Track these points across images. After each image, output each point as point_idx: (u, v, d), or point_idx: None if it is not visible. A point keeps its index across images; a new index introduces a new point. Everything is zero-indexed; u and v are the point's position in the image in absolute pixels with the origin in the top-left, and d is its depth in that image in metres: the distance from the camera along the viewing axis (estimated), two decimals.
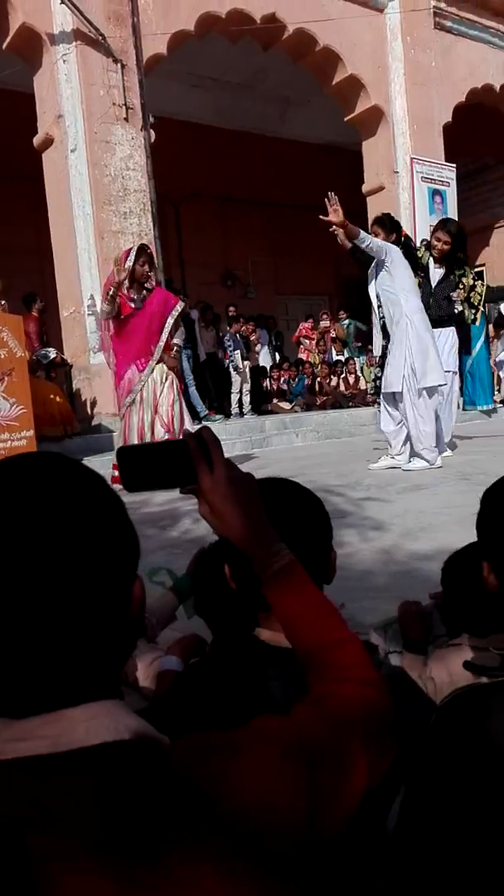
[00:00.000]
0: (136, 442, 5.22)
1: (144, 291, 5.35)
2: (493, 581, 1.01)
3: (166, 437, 5.32)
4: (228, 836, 0.56)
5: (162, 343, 5.32)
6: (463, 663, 1.03)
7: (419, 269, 6.03)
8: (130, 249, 5.40)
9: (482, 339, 9.63)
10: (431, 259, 6.11)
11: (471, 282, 6.07)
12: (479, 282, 6.35)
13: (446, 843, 0.85)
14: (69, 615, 0.60)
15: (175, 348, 5.52)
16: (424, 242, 6.36)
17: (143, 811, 0.54)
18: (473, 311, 6.27)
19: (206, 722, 0.95)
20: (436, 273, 6.10)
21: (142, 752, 0.59)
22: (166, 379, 5.40)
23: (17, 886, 0.51)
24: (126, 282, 5.23)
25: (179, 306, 5.50)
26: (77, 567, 0.60)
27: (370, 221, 11.04)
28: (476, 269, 9.19)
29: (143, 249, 5.40)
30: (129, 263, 5.22)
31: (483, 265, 13.13)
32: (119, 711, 0.62)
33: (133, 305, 5.26)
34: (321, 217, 5.21)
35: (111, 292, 5.19)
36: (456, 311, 6.09)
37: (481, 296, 6.34)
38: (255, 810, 0.58)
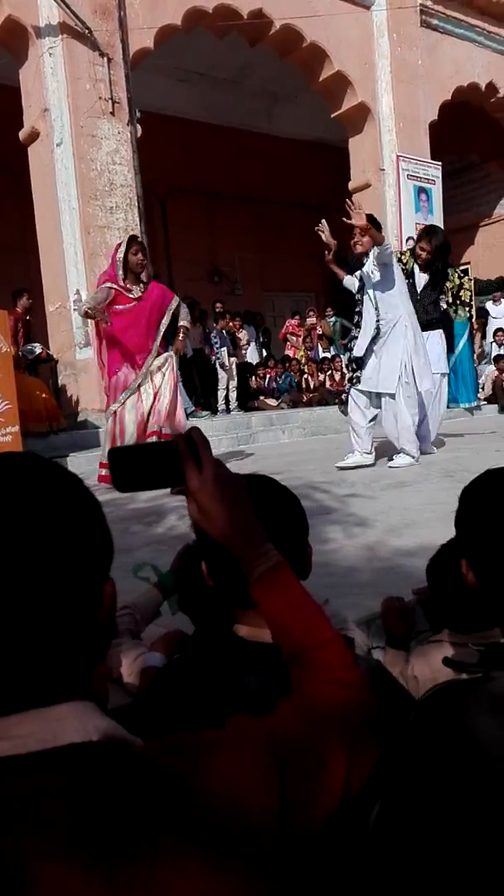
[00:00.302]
0: (135, 436, 5.13)
1: (141, 284, 5.21)
2: (472, 578, 1.02)
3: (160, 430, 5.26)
4: (207, 833, 0.56)
5: (159, 338, 5.21)
6: (442, 659, 1.04)
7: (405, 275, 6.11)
8: (120, 244, 5.27)
9: (465, 337, 9.70)
10: (416, 266, 6.21)
11: (457, 281, 6.14)
12: (466, 278, 6.41)
13: (426, 839, 0.87)
14: (37, 615, 0.60)
15: (182, 332, 5.39)
16: (409, 249, 6.39)
17: (116, 810, 0.55)
18: (467, 308, 6.32)
19: (184, 718, 0.96)
20: (421, 278, 6.22)
21: (111, 754, 0.59)
22: (165, 365, 5.26)
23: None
24: (121, 273, 5.09)
25: (175, 301, 5.39)
26: (46, 566, 0.61)
27: None
28: (461, 268, 9.25)
29: (133, 239, 5.28)
30: (121, 255, 5.09)
31: (468, 263, 13.17)
32: (88, 713, 0.62)
33: (132, 296, 5.11)
34: (344, 219, 5.21)
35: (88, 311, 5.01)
36: (441, 311, 6.14)
37: (471, 292, 6.38)
38: (230, 807, 0.59)
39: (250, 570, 0.88)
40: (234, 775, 0.62)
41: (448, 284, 6.12)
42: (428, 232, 6.28)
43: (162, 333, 5.25)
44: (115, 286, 5.08)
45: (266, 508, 1.04)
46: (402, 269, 6.11)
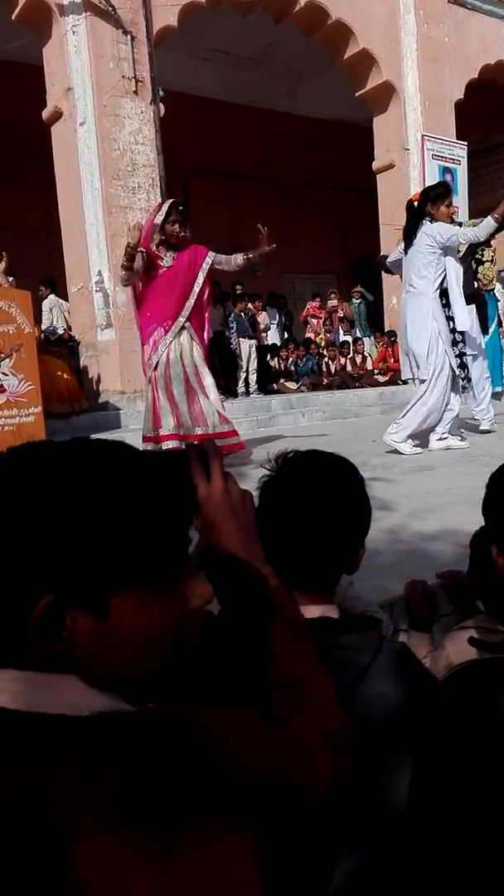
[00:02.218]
0: (176, 417, 4.94)
1: (174, 251, 5.01)
2: (502, 564, 1.03)
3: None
4: (219, 787, 0.57)
5: (192, 301, 4.99)
6: (468, 639, 1.05)
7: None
8: (162, 204, 5.04)
9: (496, 320, 9.52)
10: None
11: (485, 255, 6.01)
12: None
13: (454, 811, 0.88)
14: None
15: (242, 258, 5.31)
16: None
17: (157, 778, 0.56)
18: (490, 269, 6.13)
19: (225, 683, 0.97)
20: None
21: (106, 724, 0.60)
22: (197, 356, 5.05)
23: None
24: (156, 236, 4.90)
25: (210, 257, 5.16)
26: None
27: (380, 199, 11.00)
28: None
29: (175, 205, 5.06)
30: (159, 220, 4.90)
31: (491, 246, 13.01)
32: (83, 687, 0.63)
33: (163, 264, 4.93)
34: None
35: (124, 261, 4.80)
36: (475, 285, 6.02)
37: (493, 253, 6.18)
38: (237, 760, 0.60)
39: (248, 592, 0.88)
40: (235, 730, 0.63)
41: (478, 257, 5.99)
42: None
43: (196, 296, 5.02)
44: (144, 250, 4.86)
45: (342, 495, 1.04)
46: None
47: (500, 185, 14.17)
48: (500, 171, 14.56)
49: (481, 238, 5.45)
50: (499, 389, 9.84)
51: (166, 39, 8.62)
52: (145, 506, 0.64)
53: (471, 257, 6.27)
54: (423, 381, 5.33)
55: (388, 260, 6.10)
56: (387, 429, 5.39)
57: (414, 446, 5.28)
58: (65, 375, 7.72)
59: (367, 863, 0.94)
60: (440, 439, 5.38)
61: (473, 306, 6.12)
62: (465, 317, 5.40)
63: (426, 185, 10.56)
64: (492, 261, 6.43)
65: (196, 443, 0.93)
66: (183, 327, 4.99)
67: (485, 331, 6.65)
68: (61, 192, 8.39)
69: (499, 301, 8.54)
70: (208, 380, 5.10)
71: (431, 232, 5.24)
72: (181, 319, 4.96)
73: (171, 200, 5.16)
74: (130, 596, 0.63)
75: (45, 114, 8.35)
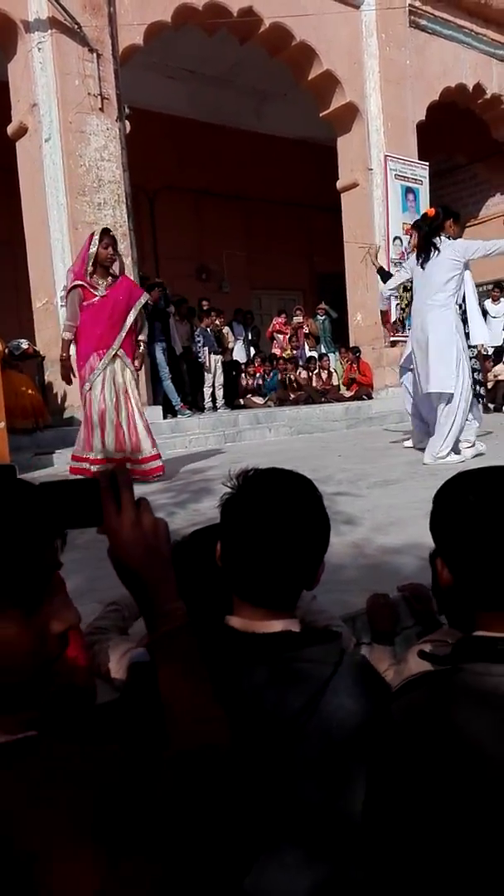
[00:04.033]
0: (102, 440, 5.10)
1: (110, 278, 5.19)
2: (447, 576, 1.05)
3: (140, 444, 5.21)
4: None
5: (123, 334, 5.14)
6: (418, 652, 1.07)
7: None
8: (92, 236, 5.22)
9: None
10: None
11: None
12: None
13: (408, 814, 0.89)
14: None
15: (140, 346, 5.36)
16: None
17: None
18: None
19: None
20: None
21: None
22: (131, 384, 5.22)
23: None
24: (90, 267, 5.10)
25: (144, 298, 5.35)
26: None
27: (344, 217, 11.19)
28: None
29: (105, 232, 5.25)
30: (93, 250, 5.08)
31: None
32: None
33: (96, 294, 5.10)
34: None
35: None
36: None
37: None
38: None
39: (154, 627, 0.87)
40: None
41: None
42: (415, 225, 6.36)
43: (127, 329, 5.17)
44: (83, 283, 5.08)
45: (299, 512, 1.05)
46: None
47: (462, 205, 14.49)
48: (462, 191, 14.87)
49: (496, 252, 5.55)
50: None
51: (132, 57, 8.67)
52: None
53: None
54: (447, 393, 5.42)
55: (391, 285, 6.20)
56: (430, 454, 5.43)
57: (467, 448, 5.47)
58: (29, 391, 7.65)
59: (330, 877, 0.95)
60: (469, 447, 5.52)
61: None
62: (481, 330, 5.55)
63: (388, 204, 10.83)
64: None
65: (108, 471, 0.90)
66: (116, 355, 5.16)
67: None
68: (26, 208, 8.35)
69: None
70: (137, 405, 5.25)
71: (456, 247, 5.39)
72: (114, 348, 5.13)
73: (102, 228, 5.35)
74: None
75: (9, 129, 8.33)
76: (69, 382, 5.20)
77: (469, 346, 5.55)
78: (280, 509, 1.04)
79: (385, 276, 6.73)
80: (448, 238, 5.49)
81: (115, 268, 5.26)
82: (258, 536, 1.02)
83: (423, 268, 5.53)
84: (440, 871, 0.90)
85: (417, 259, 5.59)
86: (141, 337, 5.38)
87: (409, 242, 6.40)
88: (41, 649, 0.67)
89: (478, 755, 0.90)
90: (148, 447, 5.23)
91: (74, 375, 5.20)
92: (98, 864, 0.55)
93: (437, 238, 5.46)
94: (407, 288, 6.36)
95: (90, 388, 5.10)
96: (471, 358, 5.54)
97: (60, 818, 0.56)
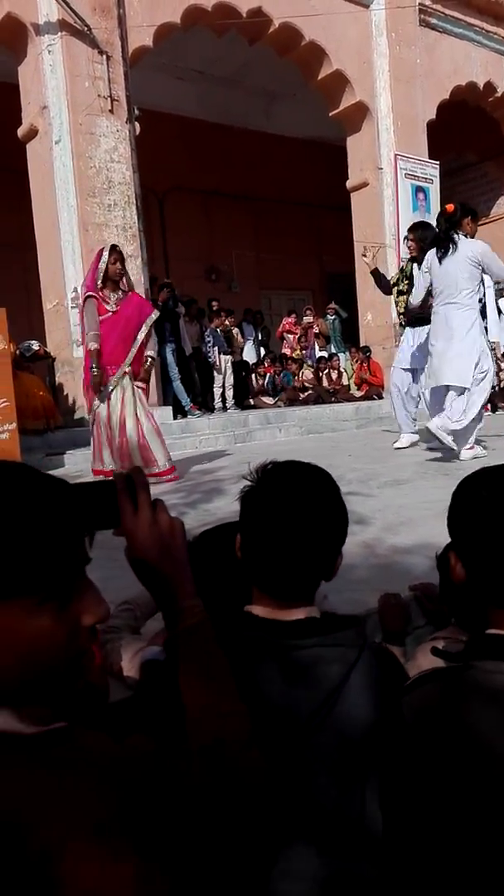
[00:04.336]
0: (108, 440, 5.16)
1: (120, 292, 5.25)
2: (460, 571, 1.05)
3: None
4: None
5: (135, 350, 5.21)
6: (431, 649, 1.07)
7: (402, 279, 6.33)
8: (102, 251, 5.27)
9: None
10: (414, 265, 6.29)
11: None
12: None
13: (421, 818, 0.90)
14: None
15: (148, 361, 5.37)
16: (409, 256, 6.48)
17: None
18: None
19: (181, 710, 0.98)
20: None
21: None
22: (134, 395, 5.24)
23: None
24: (100, 282, 5.14)
25: (154, 315, 5.41)
26: None
27: (354, 217, 11.18)
28: None
29: (113, 248, 5.30)
30: (103, 265, 5.13)
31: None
32: None
33: (109, 309, 5.15)
34: None
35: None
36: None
37: None
38: None
39: (173, 625, 0.88)
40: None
41: None
42: (415, 227, 6.43)
43: (139, 344, 5.24)
44: (95, 296, 5.14)
45: (313, 507, 1.06)
46: (403, 274, 6.23)
47: (473, 203, 14.41)
48: (472, 190, 14.80)
49: None
50: None
51: (142, 59, 8.70)
52: (33, 523, 0.66)
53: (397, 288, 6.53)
54: (465, 390, 5.43)
55: (417, 298, 6.00)
56: (462, 454, 5.46)
57: (467, 449, 5.46)
58: (40, 392, 7.68)
59: (338, 872, 0.95)
60: (469, 448, 5.49)
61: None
62: (496, 328, 5.54)
63: (399, 204, 10.81)
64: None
65: (124, 473, 0.91)
66: (126, 372, 5.20)
67: None
68: (37, 210, 8.39)
69: None
70: (147, 422, 5.28)
71: (476, 250, 5.39)
72: (124, 366, 5.19)
73: (111, 245, 5.38)
74: (19, 605, 0.65)
75: (20, 131, 8.37)
76: (98, 392, 5.13)
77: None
78: (299, 501, 1.06)
79: (380, 279, 6.65)
80: (465, 236, 5.48)
81: (124, 283, 5.31)
82: (278, 527, 1.04)
83: (440, 263, 5.51)
84: (452, 867, 0.91)
85: (436, 254, 5.56)
86: (149, 353, 5.39)
87: (408, 248, 6.36)
88: (73, 641, 0.69)
89: (487, 752, 0.91)
90: (163, 461, 5.26)
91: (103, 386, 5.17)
92: (121, 860, 0.56)
93: (455, 234, 5.45)
94: (402, 292, 6.35)
95: (98, 408, 5.17)
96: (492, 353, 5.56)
97: (81, 813, 0.57)
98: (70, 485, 0.78)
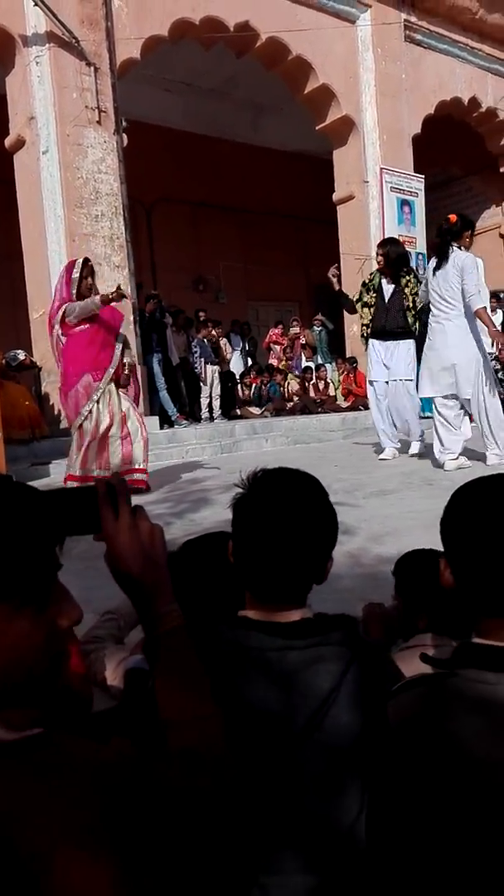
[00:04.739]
0: (79, 459, 5.15)
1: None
2: (449, 577, 1.06)
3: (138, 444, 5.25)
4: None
5: (118, 353, 5.24)
6: (420, 655, 1.08)
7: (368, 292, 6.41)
8: (72, 264, 5.27)
9: None
10: (383, 278, 6.34)
11: (414, 288, 6.26)
12: (415, 280, 6.44)
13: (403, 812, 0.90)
14: None
15: (126, 366, 5.40)
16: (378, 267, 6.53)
17: None
18: (415, 318, 6.39)
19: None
20: (388, 289, 6.32)
21: None
22: (124, 403, 5.27)
23: None
24: (74, 296, 5.14)
25: (123, 322, 5.47)
26: None
27: (340, 229, 11.25)
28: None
29: (85, 262, 5.30)
30: (76, 275, 5.13)
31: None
32: None
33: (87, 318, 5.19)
34: None
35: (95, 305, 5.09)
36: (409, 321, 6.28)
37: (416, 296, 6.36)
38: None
39: (151, 628, 0.90)
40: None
41: (407, 289, 6.22)
42: (383, 243, 6.55)
43: (120, 350, 5.26)
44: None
45: (303, 512, 1.08)
46: (370, 286, 6.27)
47: None
48: (457, 204, 14.94)
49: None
50: (428, 415, 10.13)
51: (130, 71, 8.74)
52: (8, 531, 0.68)
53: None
54: (465, 399, 5.52)
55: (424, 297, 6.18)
56: (490, 459, 5.50)
57: (450, 460, 5.48)
58: (26, 401, 7.66)
59: (324, 880, 0.95)
60: (453, 459, 5.51)
61: (412, 340, 6.38)
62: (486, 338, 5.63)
63: (384, 217, 10.90)
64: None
65: (105, 479, 0.93)
66: (112, 377, 5.22)
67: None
68: (24, 220, 8.39)
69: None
70: (134, 425, 5.28)
71: (459, 263, 5.44)
72: (111, 369, 5.20)
73: (83, 259, 5.39)
74: None
75: (7, 142, 8.38)
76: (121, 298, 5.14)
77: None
78: (290, 505, 1.08)
79: (345, 300, 6.64)
80: (461, 248, 5.56)
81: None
82: (271, 532, 1.06)
83: (434, 274, 5.61)
84: (437, 874, 0.91)
85: (433, 264, 5.67)
86: (126, 359, 5.41)
87: (377, 262, 6.41)
88: (52, 643, 0.71)
89: (468, 759, 0.92)
90: (140, 459, 5.26)
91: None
92: (105, 865, 0.56)
93: (451, 246, 5.54)
94: (367, 304, 6.38)
95: (89, 412, 5.14)
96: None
97: (68, 818, 0.57)
98: (42, 492, 0.79)
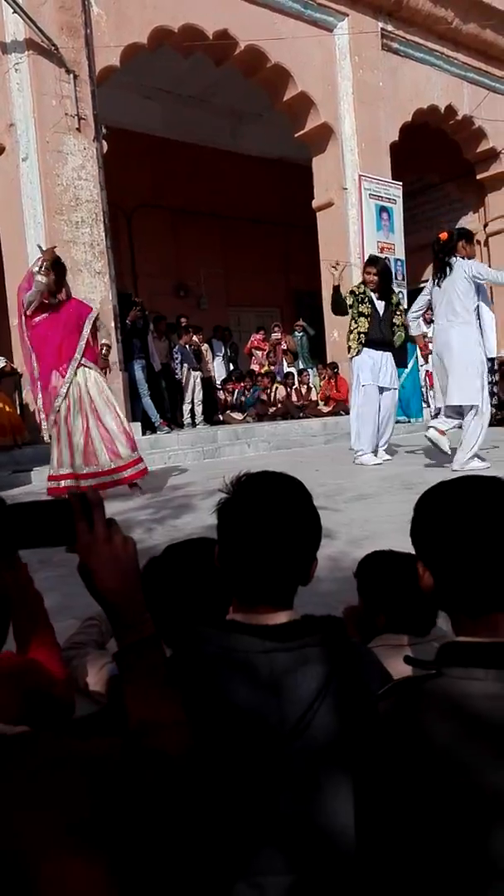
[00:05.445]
0: (81, 444, 5.12)
1: (59, 296, 5.27)
2: (429, 580, 1.08)
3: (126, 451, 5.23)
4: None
5: (83, 343, 5.18)
6: (403, 658, 1.11)
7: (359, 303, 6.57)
8: (39, 260, 5.27)
9: (415, 355, 10.11)
10: (372, 293, 6.57)
11: (401, 305, 6.59)
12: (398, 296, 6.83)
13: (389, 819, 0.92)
14: None
15: (104, 348, 5.40)
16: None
17: None
18: (402, 331, 6.69)
19: None
20: (379, 304, 6.58)
21: None
22: (95, 386, 5.21)
23: None
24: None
25: (94, 314, 5.41)
26: None
27: (320, 235, 11.31)
28: (421, 285, 9.46)
29: (55, 261, 5.29)
30: (35, 269, 5.12)
31: (427, 281, 13.50)
32: None
33: (49, 304, 5.17)
34: None
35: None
36: (395, 335, 6.63)
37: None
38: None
39: (122, 637, 0.93)
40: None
41: (401, 307, 6.58)
42: (372, 261, 6.84)
43: (86, 339, 5.22)
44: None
45: (294, 513, 1.10)
46: (361, 297, 6.38)
47: (435, 224, 14.74)
48: (435, 210, 15.12)
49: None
50: (421, 420, 10.33)
51: (109, 78, 8.76)
52: None
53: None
54: (471, 405, 5.68)
55: (415, 312, 6.41)
56: (458, 461, 5.65)
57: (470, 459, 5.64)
58: (7, 408, 7.64)
59: (305, 881, 0.97)
60: (470, 460, 5.67)
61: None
62: (493, 343, 5.80)
63: (363, 223, 10.99)
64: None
65: (79, 493, 0.95)
66: (79, 364, 5.19)
67: (404, 365, 7.15)
68: (3, 226, 8.37)
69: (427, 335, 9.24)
70: (110, 410, 5.24)
71: (471, 268, 5.69)
72: (76, 358, 5.18)
73: (48, 249, 5.42)
74: None
75: None
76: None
77: (488, 359, 5.92)
78: (274, 508, 1.09)
79: (338, 297, 6.70)
80: (462, 258, 5.77)
81: (62, 294, 5.31)
82: (256, 535, 1.07)
83: (439, 286, 5.82)
84: (422, 878, 0.92)
85: (433, 279, 5.88)
86: (104, 341, 5.42)
87: (371, 281, 6.56)
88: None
89: (457, 758, 0.93)
90: (126, 452, 5.23)
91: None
92: (96, 862, 0.58)
93: (452, 258, 5.75)
94: (363, 314, 6.52)
95: (58, 409, 5.13)
96: (491, 371, 5.79)
97: (58, 817, 0.58)
98: (14, 504, 0.81)
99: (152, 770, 0.76)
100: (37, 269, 5.11)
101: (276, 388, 12.19)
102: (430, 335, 9.47)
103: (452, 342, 5.71)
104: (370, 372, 6.51)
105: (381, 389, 6.56)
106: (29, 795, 0.59)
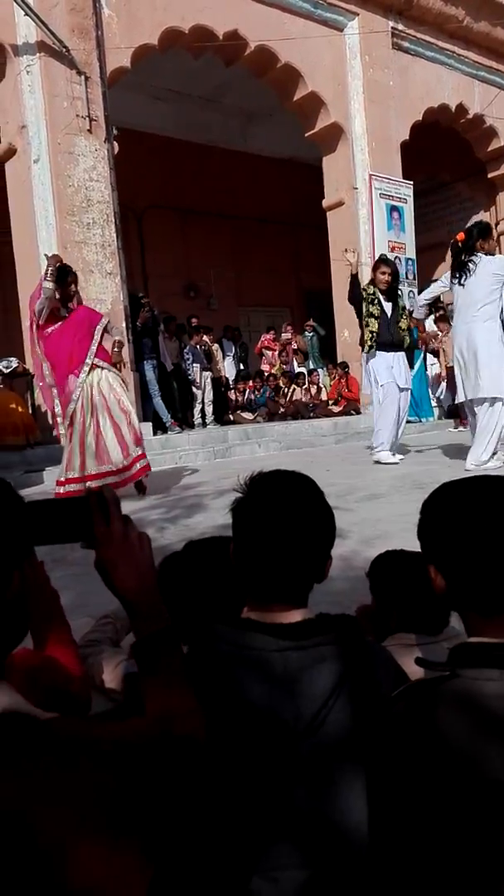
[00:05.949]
0: (81, 457, 5.14)
1: (68, 307, 5.34)
2: (441, 582, 1.08)
3: (131, 447, 5.26)
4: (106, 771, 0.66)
5: (94, 347, 5.22)
6: (415, 660, 1.11)
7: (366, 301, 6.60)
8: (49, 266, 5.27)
9: (422, 355, 10.14)
10: (381, 294, 6.59)
11: (410, 309, 6.65)
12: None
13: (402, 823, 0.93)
14: None
15: (116, 345, 5.42)
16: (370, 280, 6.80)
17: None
18: (408, 335, 6.80)
19: None
20: (387, 306, 6.62)
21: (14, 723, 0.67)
22: (107, 385, 5.24)
23: None
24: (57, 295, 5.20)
25: (104, 320, 5.46)
26: None
27: (330, 235, 11.32)
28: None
29: (64, 268, 5.34)
30: (46, 279, 5.14)
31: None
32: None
33: (60, 316, 5.22)
34: None
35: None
36: (404, 336, 6.68)
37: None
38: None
39: (140, 630, 0.94)
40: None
41: (407, 310, 6.63)
42: (385, 260, 6.90)
43: (97, 343, 5.26)
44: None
45: (302, 512, 1.11)
46: (371, 298, 6.39)
47: (445, 223, 14.71)
48: (445, 209, 15.07)
49: None
50: (432, 419, 10.33)
51: (120, 79, 8.79)
52: None
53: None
54: (494, 400, 5.67)
55: (426, 296, 6.53)
56: (472, 460, 5.67)
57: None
58: (19, 408, 7.68)
59: (319, 875, 0.98)
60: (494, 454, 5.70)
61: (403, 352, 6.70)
62: None
63: (374, 223, 10.96)
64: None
65: (96, 489, 0.97)
66: (93, 366, 5.23)
67: (410, 366, 7.20)
68: (16, 228, 8.41)
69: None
70: (121, 407, 5.26)
71: (498, 264, 5.69)
72: (87, 362, 5.21)
73: (58, 264, 5.37)
74: None
75: None
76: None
77: None
78: (289, 506, 1.10)
79: (356, 286, 6.75)
80: (484, 255, 5.74)
81: (73, 302, 5.36)
82: (271, 533, 1.08)
83: (462, 286, 5.79)
84: (436, 876, 0.93)
85: (453, 277, 5.85)
86: (117, 338, 5.46)
87: (384, 282, 6.59)
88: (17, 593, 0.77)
89: (473, 758, 0.93)
90: (133, 448, 5.25)
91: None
92: (124, 849, 0.59)
93: (474, 257, 5.73)
94: (374, 315, 6.54)
95: (73, 411, 5.16)
96: None
97: (86, 804, 0.59)
98: (29, 504, 0.84)
99: (183, 755, 0.78)
100: (45, 276, 5.15)
101: (293, 388, 12.20)
102: (431, 327, 9.53)
103: (478, 338, 5.68)
104: (387, 371, 6.53)
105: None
106: (60, 780, 0.60)
